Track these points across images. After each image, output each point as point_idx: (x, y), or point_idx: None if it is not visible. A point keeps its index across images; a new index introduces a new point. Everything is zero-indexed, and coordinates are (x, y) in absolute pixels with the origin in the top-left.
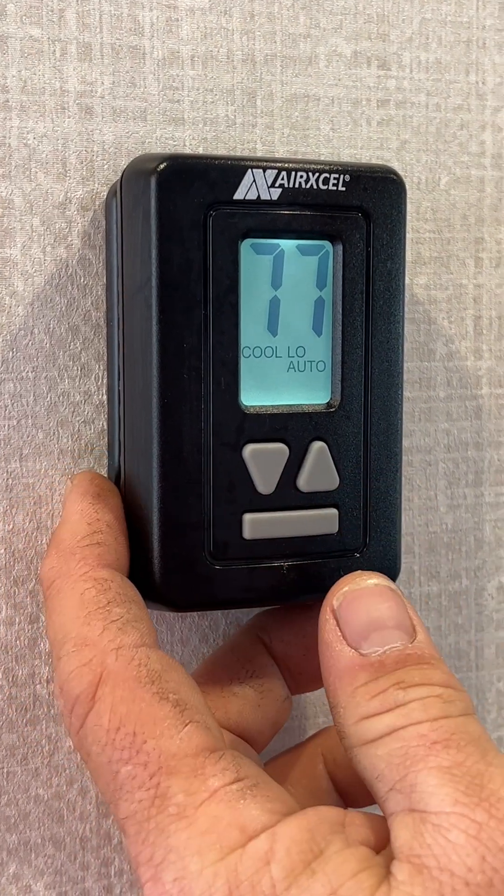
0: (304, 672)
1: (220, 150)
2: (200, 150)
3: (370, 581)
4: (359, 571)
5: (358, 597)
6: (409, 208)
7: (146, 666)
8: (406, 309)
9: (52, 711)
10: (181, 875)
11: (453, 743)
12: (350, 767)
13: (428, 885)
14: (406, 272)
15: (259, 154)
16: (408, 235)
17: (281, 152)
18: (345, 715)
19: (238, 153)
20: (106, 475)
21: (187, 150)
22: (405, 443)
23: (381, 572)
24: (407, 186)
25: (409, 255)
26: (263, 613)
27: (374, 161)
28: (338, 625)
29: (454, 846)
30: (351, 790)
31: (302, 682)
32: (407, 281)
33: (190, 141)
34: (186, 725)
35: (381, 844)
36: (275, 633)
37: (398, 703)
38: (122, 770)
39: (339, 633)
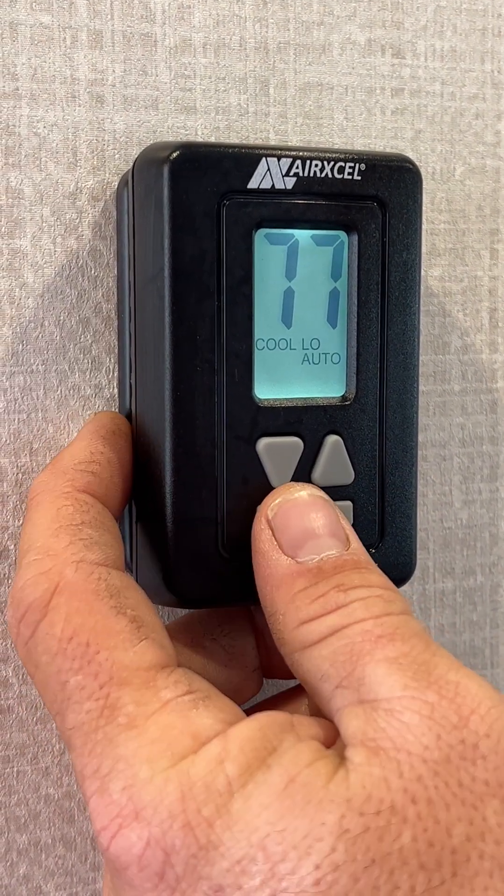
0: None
1: (233, 140)
2: (213, 140)
3: (303, 492)
4: (290, 483)
5: (292, 507)
6: (424, 199)
7: (105, 580)
8: (421, 301)
9: None
10: (130, 783)
11: (398, 636)
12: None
13: (386, 765)
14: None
15: (272, 143)
16: (423, 226)
17: (294, 141)
18: (284, 621)
19: (251, 142)
20: None
21: (200, 139)
22: (419, 437)
23: (396, 568)
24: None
25: (424, 247)
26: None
27: (388, 151)
28: (273, 534)
29: (408, 727)
30: None
31: (275, 662)
32: (422, 273)
33: (202, 130)
34: (141, 641)
35: (330, 742)
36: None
37: (340, 604)
38: (72, 680)
39: (275, 543)
